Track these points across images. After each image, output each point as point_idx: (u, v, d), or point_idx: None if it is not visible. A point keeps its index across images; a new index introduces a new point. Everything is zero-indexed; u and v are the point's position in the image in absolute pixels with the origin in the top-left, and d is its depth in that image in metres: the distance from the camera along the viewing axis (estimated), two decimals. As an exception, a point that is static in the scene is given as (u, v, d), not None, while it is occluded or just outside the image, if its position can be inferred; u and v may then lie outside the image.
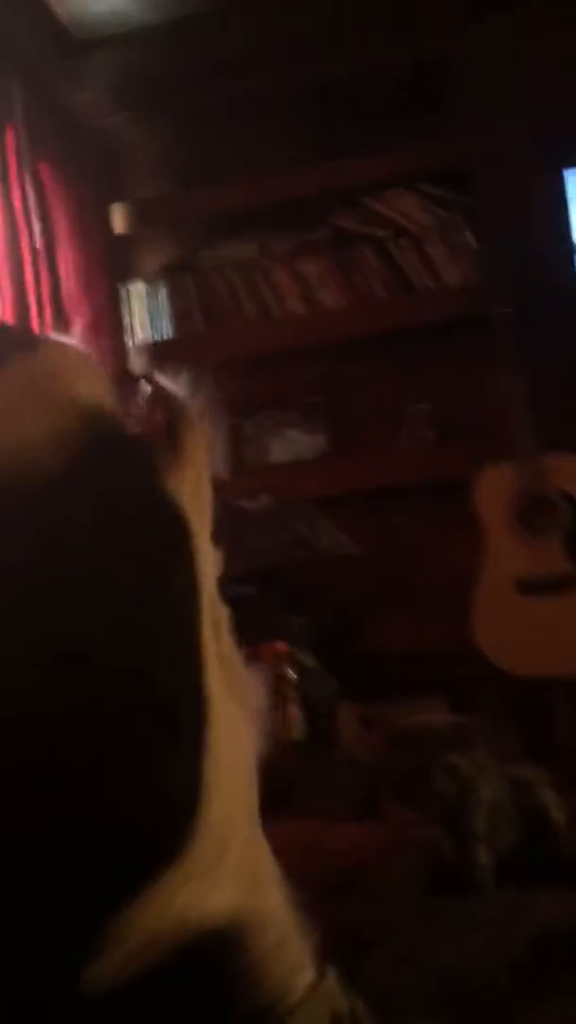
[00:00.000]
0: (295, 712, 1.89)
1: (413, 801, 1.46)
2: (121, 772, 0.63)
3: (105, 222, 2.95)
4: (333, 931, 0.69)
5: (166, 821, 0.64)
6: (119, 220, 3.01)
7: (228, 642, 0.77)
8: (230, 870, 0.64)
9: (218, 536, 0.72)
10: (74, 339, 0.73)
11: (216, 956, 0.63)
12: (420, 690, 2.74)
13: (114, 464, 0.69)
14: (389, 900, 1.30)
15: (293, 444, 2.99)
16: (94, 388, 0.72)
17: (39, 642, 0.63)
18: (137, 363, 2.97)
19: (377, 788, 1.55)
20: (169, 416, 0.74)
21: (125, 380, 0.75)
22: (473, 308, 2.66)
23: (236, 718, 0.74)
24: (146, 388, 0.76)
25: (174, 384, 0.74)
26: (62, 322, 2.67)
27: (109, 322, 2.87)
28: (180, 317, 2.98)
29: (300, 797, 1.49)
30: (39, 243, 2.63)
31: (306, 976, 0.66)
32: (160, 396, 0.76)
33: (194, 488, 0.73)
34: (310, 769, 1.66)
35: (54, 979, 0.60)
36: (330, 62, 2.83)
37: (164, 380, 0.75)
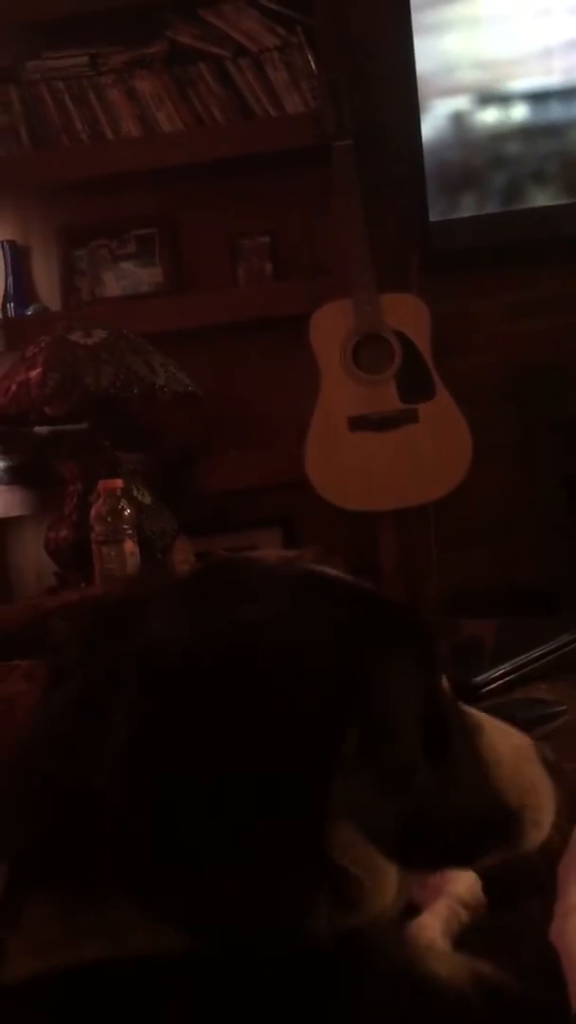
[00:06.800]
0: (132, 547, 1.91)
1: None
2: None
3: None
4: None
5: None
6: None
7: None
8: None
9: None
10: None
11: None
12: (256, 525, 2.80)
13: None
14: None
15: (128, 277, 2.89)
16: None
17: None
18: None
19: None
20: None
21: None
22: (313, 137, 2.60)
23: None
24: None
25: None
26: None
27: None
28: (3, 134, 2.78)
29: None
30: None
31: None
32: None
33: None
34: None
35: None
36: None
37: None
